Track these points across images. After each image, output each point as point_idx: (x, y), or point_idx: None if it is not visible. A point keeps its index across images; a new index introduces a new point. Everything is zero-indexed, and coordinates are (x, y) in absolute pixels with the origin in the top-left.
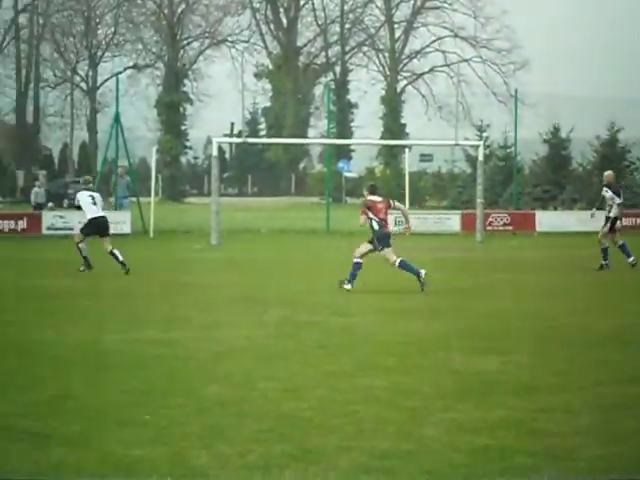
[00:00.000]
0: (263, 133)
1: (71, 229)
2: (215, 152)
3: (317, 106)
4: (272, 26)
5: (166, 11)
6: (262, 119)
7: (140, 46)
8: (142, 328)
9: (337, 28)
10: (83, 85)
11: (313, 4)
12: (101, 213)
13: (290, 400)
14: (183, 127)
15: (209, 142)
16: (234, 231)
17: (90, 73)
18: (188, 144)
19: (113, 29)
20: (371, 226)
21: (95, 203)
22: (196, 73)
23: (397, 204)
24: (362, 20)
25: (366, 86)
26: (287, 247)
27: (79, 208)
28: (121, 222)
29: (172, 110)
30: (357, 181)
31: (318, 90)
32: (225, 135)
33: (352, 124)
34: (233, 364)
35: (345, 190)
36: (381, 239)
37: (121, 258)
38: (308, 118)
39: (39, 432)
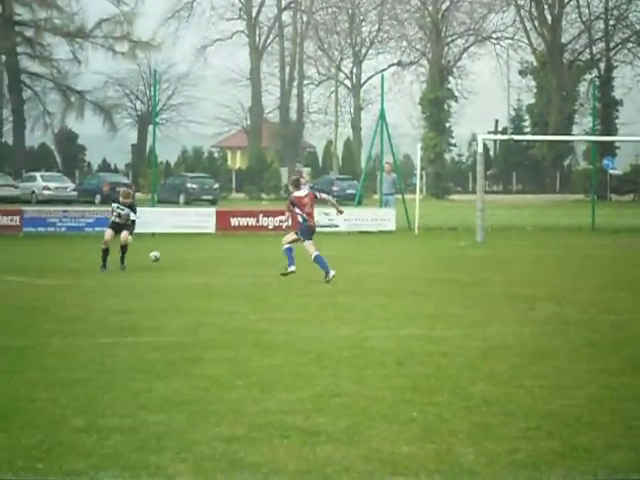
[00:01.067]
0: (527, 130)
1: (337, 226)
2: (480, 149)
3: (582, 103)
4: (536, 23)
5: (430, 8)
6: (526, 116)
7: (404, 43)
8: (407, 325)
9: (601, 25)
10: (347, 82)
11: (577, 1)
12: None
13: (558, 398)
14: (447, 124)
15: (473, 139)
16: (499, 228)
17: (354, 70)
18: (452, 141)
19: (377, 26)
20: (297, 220)
21: (119, 215)
22: (460, 70)
23: (323, 195)
24: (627, 16)
25: (631, 82)
26: (552, 244)
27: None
28: (386, 219)
29: (436, 107)
30: (622, 178)
31: (582, 87)
32: (489, 132)
33: (617, 121)
34: (499, 361)
35: (610, 187)
36: (304, 232)
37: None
38: (572, 115)
39: (306, 429)
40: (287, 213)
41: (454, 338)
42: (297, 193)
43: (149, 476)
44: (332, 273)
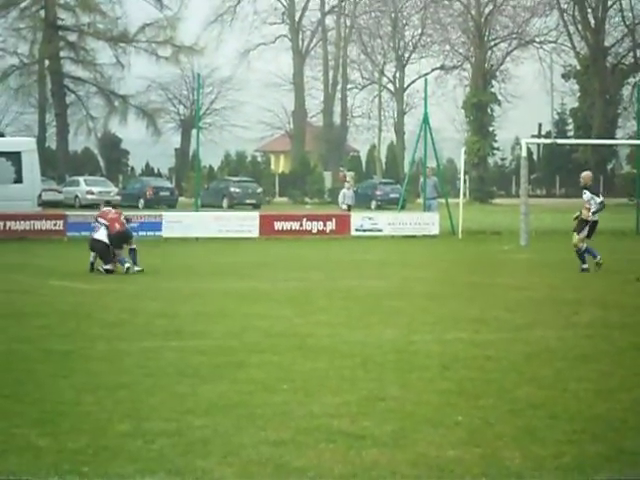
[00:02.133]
0: (571, 134)
1: (380, 230)
2: (524, 153)
3: (625, 106)
4: (579, 26)
5: (473, 12)
6: (570, 120)
7: (447, 47)
8: (452, 329)
9: None
10: (390, 86)
11: (621, 4)
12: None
13: (603, 401)
14: (491, 128)
15: (517, 143)
16: (542, 232)
17: (397, 74)
18: (496, 145)
19: (420, 30)
20: None
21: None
22: (504, 74)
23: None
24: None
25: None
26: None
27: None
28: (429, 223)
29: (480, 111)
30: None
31: (626, 90)
32: (533, 136)
33: None
34: (543, 365)
35: None
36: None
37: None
38: (616, 118)
39: (352, 433)
40: None
41: (498, 342)
42: None
43: None
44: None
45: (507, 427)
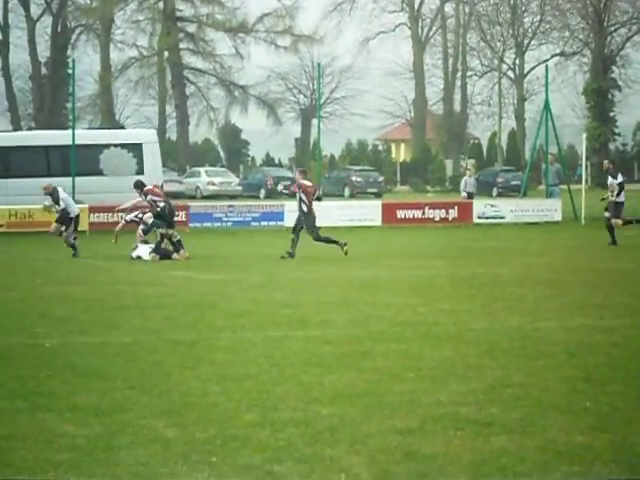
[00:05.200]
0: None
1: (502, 217)
2: None
3: None
4: None
5: None
6: None
7: (567, 33)
8: (576, 315)
9: None
10: (510, 73)
11: None
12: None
13: None
14: (611, 114)
15: (638, 128)
16: None
17: (517, 61)
18: (617, 131)
19: (539, 17)
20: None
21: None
22: (624, 59)
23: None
24: None
25: None
26: None
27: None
28: (552, 210)
29: (600, 97)
30: None
31: None
32: None
33: None
34: None
35: None
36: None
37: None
38: None
39: (480, 420)
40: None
41: (624, 328)
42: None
43: (324, 469)
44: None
45: (636, 413)
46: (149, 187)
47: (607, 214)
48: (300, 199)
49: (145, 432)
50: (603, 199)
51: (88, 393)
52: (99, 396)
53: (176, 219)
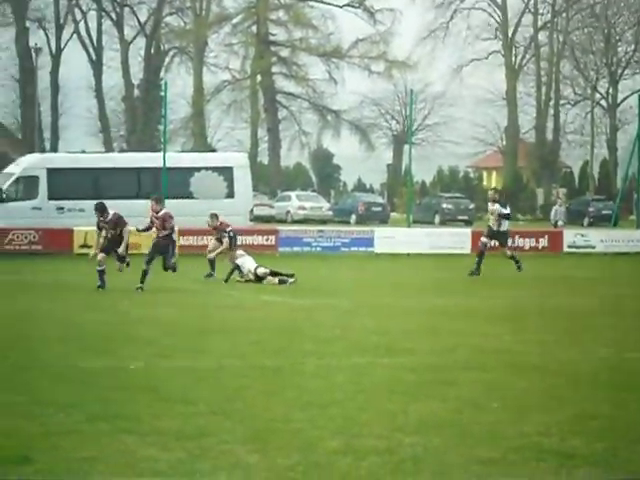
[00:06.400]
0: None
1: (593, 247)
2: None
3: None
4: None
5: None
6: None
7: None
8: None
9: None
10: (603, 102)
11: None
12: None
13: None
14: None
15: None
16: None
17: (610, 90)
18: None
19: (634, 46)
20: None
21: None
22: None
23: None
24: None
25: None
26: None
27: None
28: None
29: None
30: None
31: None
32: None
33: None
34: None
35: None
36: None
37: None
38: None
39: (562, 451)
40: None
41: None
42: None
43: None
44: None
45: None
46: (222, 220)
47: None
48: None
49: (227, 457)
50: None
51: (171, 417)
52: (182, 420)
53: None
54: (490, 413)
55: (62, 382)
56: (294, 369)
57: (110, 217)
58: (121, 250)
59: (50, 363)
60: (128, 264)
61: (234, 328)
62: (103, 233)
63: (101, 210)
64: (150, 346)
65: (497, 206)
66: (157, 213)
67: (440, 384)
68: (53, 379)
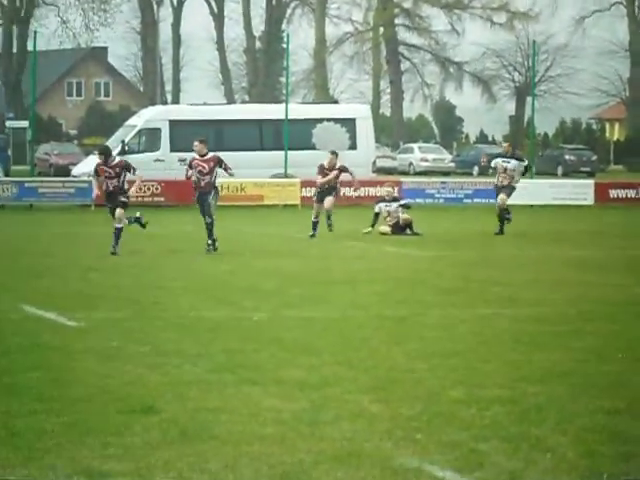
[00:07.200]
0: None
1: None
2: None
3: None
4: None
5: None
6: None
7: None
8: None
9: None
10: None
11: None
12: None
13: None
14: None
15: None
16: None
17: None
18: None
19: None
20: None
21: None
22: None
23: None
24: None
25: None
26: None
27: None
28: None
29: None
30: None
31: None
32: None
33: None
34: None
35: None
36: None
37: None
38: None
39: None
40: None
41: None
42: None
43: (529, 448)
44: None
45: None
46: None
47: None
48: None
49: (350, 407)
50: None
51: (294, 367)
52: (305, 371)
53: None
54: (615, 363)
55: (187, 332)
56: (417, 320)
57: (116, 162)
58: (132, 191)
59: (175, 314)
60: (144, 225)
61: (357, 279)
62: (104, 186)
63: (108, 154)
64: (273, 297)
65: (514, 163)
66: (203, 157)
67: (565, 334)
68: (178, 329)
